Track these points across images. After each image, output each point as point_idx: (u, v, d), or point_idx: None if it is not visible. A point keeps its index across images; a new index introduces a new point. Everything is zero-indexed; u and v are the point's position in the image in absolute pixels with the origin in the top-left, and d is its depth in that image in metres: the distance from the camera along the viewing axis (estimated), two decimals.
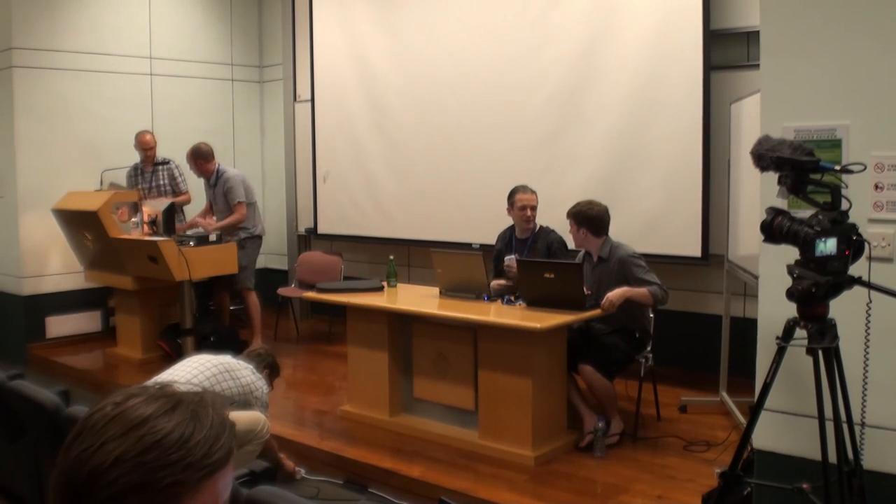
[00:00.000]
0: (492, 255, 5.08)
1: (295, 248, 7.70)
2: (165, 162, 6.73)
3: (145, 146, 6.58)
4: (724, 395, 4.82)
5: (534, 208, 4.80)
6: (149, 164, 6.65)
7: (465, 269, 4.57)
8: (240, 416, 3.54)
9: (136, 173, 6.68)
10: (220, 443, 0.98)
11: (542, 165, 5.73)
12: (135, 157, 6.74)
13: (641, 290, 4.23)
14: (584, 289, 4.26)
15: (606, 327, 4.41)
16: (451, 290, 4.65)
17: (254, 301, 6.42)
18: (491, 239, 5.27)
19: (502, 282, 4.81)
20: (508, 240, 4.97)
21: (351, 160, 7.02)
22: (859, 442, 2.55)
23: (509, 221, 4.99)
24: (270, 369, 3.99)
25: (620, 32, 5.35)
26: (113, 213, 5.98)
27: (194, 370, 3.51)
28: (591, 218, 4.41)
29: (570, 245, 4.86)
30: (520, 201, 4.80)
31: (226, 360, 3.65)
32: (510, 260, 4.80)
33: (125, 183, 6.74)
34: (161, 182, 6.72)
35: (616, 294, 4.17)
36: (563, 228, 4.97)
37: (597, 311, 4.20)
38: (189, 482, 0.95)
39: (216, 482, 0.99)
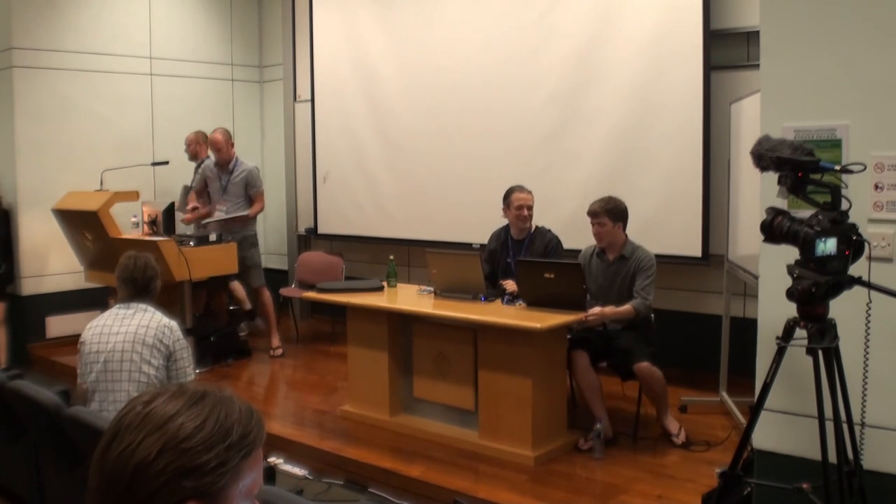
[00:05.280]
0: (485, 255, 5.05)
1: (295, 248, 7.70)
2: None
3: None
4: (724, 395, 4.82)
5: (530, 208, 4.78)
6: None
7: (460, 269, 4.55)
8: None
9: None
10: (252, 422, 1.04)
11: (543, 165, 5.73)
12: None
13: (625, 309, 4.27)
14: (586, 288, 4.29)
15: (618, 325, 4.42)
16: (448, 291, 4.62)
17: (268, 297, 6.48)
18: None
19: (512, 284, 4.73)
20: (504, 240, 4.95)
21: (351, 160, 7.02)
22: (859, 442, 2.55)
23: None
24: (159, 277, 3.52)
25: (621, 32, 5.35)
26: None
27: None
28: (623, 212, 4.43)
29: (566, 245, 4.86)
30: (516, 201, 4.78)
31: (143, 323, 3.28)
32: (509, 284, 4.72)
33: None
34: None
35: (602, 312, 4.21)
36: (562, 229, 4.98)
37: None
38: (232, 462, 1.00)
39: (254, 462, 1.04)
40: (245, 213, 6.29)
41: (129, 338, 3.22)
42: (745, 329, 4.42)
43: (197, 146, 6.66)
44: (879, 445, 2.62)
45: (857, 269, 2.42)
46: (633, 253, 4.42)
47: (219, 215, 6.24)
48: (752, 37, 4.97)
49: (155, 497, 0.96)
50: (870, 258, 2.44)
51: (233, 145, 6.32)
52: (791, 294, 2.42)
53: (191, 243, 5.78)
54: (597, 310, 4.21)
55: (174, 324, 3.36)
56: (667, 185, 5.22)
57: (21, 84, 6.46)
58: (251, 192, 6.33)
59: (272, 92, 8.01)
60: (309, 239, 7.66)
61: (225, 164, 6.28)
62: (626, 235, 4.47)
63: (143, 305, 3.36)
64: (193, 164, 6.69)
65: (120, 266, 3.43)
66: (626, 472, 3.94)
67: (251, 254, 6.41)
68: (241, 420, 1.03)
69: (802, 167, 2.35)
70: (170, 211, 5.99)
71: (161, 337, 3.26)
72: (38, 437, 3.24)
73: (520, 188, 4.82)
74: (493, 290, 4.65)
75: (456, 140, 6.27)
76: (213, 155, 6.32)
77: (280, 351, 6.39)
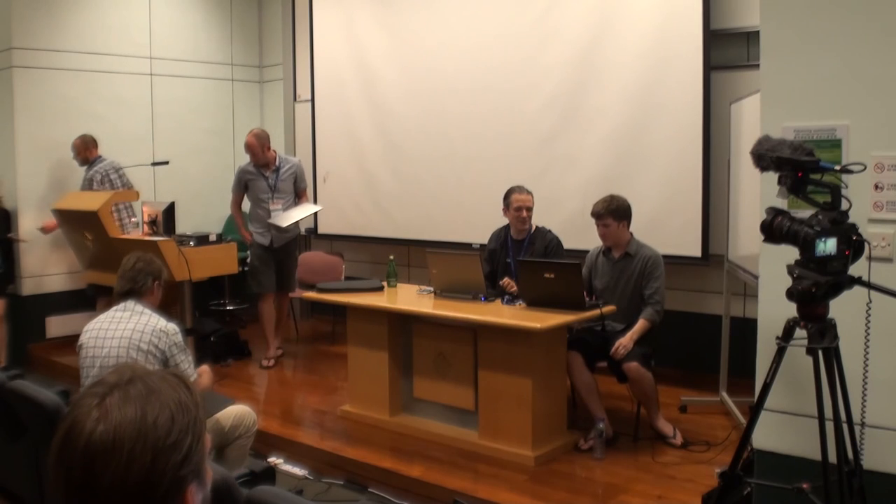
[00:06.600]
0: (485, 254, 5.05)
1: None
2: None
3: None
4: (724, 395, 4.82)
5: (529, 209, 4.79)
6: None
7: (460, 269, 4.55)
8: (226, 413, 3.53)
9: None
10: (192, 388, 1.09)
11: (543, 166, 5.73)
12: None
13: (642, 326, 4.29)
14: (593, 288, 4.36)
15: (619, 324, 4.42)
16: (448, 291, 4.62)
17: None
18: None
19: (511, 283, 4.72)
20: (504, 240, 4.95)
21: (351, 160, 7.02)
22: (859, 442, 2.55)
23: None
24: (158, 278, 3.49)
25: (621, 33, 5.35)
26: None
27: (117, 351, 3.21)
28: (626, 210, 4.44)
29: (567, 245, 4.87)
30: (516, 202, 4.79)
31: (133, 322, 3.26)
32: (508, 282, 4.73)
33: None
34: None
35: (628, 340, 4.23)
36: (562, 230, 4.98)
37: (596, 312, 4.22)
38: (202, 433, 1.06)
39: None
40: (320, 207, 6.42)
41: (123, 343, 3.20)
42: (745, 329, 4.42)
43: (86, 151, 6.45)
44: (879, 445, 2.62)
45: (857, 269, 2.42)
46: (638, 251, 4.43)
47: (276, 214, 6.05)
48: (752, 37, 4.96)
49: (167, 496, 0.99)
50: (870, 258, 2.44)
51: (269, 147, 6.09)
52: (791, 294, 2.42)
53: (191, 243, 5.78)
54: (624, 340, 4.22)
55: (171, 327, 3.32)
56: (667, 185, 5.22)
57: (21, 84, 6.46)
58: (299, 187, 6.24)
59: (272, 92, 8.01)
60: (309, 239, 7.66)
61: (267, 164, 6.12)
62: (632, 234, 4.48)
63: (139, 307, 3.34)
64: (83, 169, 6.49)
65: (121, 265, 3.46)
66: (626, 472, 3.94)
67: (295, 255, 6.50)
68: (186, 392, 1.07)
69: (802, 167, 2.35)
70: (170, 211, 5.98)
71: (156, 342, 3.24)
72: (38, 437, 3.24)
73: (519, 189, 4.83)
74: (493, 290, 4.65)
75: (456, 140, 6.26)
76: (250, 158, 6.14)
77: (273, 361, 6.20)
